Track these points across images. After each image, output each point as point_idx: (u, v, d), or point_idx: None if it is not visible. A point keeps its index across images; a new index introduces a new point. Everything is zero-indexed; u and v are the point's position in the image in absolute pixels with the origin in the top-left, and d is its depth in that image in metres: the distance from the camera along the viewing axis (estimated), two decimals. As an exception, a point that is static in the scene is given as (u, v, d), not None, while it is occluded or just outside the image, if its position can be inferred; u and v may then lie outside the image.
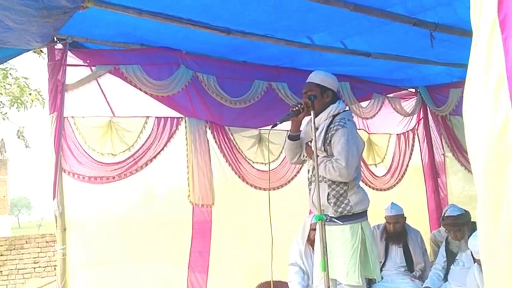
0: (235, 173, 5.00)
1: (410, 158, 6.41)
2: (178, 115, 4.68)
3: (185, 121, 4.69)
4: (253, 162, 5.12)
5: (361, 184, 3.73)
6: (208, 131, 4.84)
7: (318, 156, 3.46)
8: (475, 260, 4.02)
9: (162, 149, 4.54)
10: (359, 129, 5.81)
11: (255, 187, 5.08)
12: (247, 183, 5.06)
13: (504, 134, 1.33)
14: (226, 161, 4.95)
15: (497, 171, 1.36)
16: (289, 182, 5.22)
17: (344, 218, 3.42)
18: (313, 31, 4.13)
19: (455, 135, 6.35)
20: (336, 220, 3.42)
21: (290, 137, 3.71)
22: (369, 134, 6.06)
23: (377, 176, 6.06)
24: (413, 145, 6.46)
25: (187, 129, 4.68)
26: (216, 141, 4.89)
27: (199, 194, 4.68)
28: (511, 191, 1.32)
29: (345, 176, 3.38)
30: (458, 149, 6.30)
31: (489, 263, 1.41)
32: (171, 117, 4.63)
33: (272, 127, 3.47)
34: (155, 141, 4.51)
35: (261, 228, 4.84)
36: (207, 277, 4.71)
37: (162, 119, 4.59)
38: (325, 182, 3.47)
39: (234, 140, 5.03)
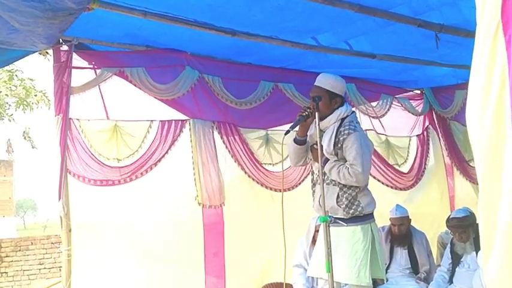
0: (245, 173, 4.99)
1: (428, 157, 6.40)
2: (183, 117, 4.67)
3: (189, 123, 4.68)
4: (262, 163, 5.12)
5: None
6: (216, 131, 4.83)
7: (327, 159, 3.47)
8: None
9: (167, 152, 4.54)
10: (379, 133, 5.87)
11: (266, 187, 5.08)
12: (258, 183, 5.04)
13: (505, 136, 1.33)
14: (235, 161, 4.94)
15: (497, 174, 1.36)
16: (299, 183, 5.21)
17: (355, 219, 3.43)
18: (318, 32, 4.12)
19: (454, 141, 6.33)
20: (341, 222, 3.43)
21: (296, 141, 3.68)
22: (387, 136, 6.06)
23: (403, 174, 6.06)
24: (429, 145, 6.47)
25: (192, 131, 4.67)
26: (224, 142, 4.88)
27: (206, 195, 4.66)
28: (507, 194, 1.32)
29: (362, 181, 3.41)
30: (457, 156, 6.29)
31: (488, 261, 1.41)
32: (175, 120, 4.63)
33: (285, 134, 3.45)
34: (160, 144, 4.51)
35: (269, 229, 4.83)
36: (224, 281, 4.70)
37: (166, 122, 4.58)
38: (334, 184, 3.48)
39: (245, 140, 5.03)
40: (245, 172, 4.99)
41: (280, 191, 4.91)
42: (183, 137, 4.67)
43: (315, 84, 3.58)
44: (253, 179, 5.03)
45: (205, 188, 4.66)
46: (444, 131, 6.38)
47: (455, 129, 6.33)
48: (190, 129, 4.68)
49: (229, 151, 4.91)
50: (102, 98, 4.30)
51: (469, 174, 6.16)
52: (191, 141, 4.68)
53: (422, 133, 6.40)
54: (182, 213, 4.69)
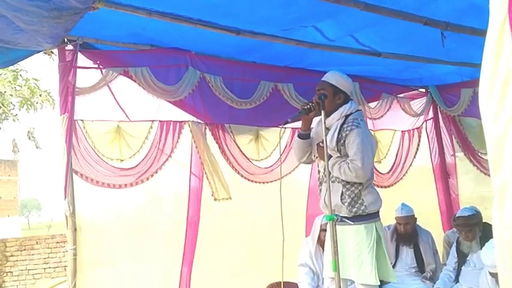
0: (235, 171, 5.01)
1: (414, 156, 6.37)
2: (181, 119, 4.68)
3: (189, 124, 4.69)
4: (250, 159, 5.16)
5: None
6: (209, 133, 4.84)
7: (331, 156, 3.46)
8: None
9: (170, 155, 4.57)
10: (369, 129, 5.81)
11: (258, 182, 5.14)
12: (248, 180, 5.09)
13: (507, 135, 1.32)
14: (227, 160, 4.96)
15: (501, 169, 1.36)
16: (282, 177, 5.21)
17: (358, 218, 3.42)
18: (321, 20, 4.05)
19: (466, 136, 6.28)
20: (347, 220, 3.42)
21: (300, 136, 3.70)
22: (374, 131, 6.05)
23: (379, 173, 6.03)
24: (418, 144, 6.42)
25: (193, 132, 4.69)
26: (216, 142, 4.89)
27: (222, 190, 4.77)
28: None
29: (362, 177, 3.39)
30: (469, 149, 6.23)
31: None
32: (173, 121, 4.63)
33: (284, 125, 3.48)
34: (161, 145, 4.53)
35: (271, 227, 4.83)
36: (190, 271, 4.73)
37: (165, 122, 4.59)
38: (338, 182, 3.47)
39: (234, 138, 5.03)
40: (235, 170, 5.01)
41: (262, 183, 5.09)
42: (182, 139, 4.68)
43: (322, 79, 3.62)
44: (243, 176, 5.07)
45: (220, 184, 4.76)
46: (455, 127, 6.33)
47: (466, 125, 6.25)
48: (191, 130, 4.69)
49: (221, 151, 4.92)
50: (113, 98, 4.31)
51: (485, 167, 6.11)
52: (194, 141, 4.68)
53: (410, 130, 6.34)
54: (180, 214, 4.71)
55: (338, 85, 3.56)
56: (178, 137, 4.64)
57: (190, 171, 4.72)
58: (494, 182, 1.37)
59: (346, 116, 3.52)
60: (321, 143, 3.48)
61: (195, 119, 4.75)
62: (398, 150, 6.25)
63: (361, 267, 3.38)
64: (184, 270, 4.63)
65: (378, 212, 3.53)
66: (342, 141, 3.45)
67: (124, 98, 4.38)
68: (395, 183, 6.15)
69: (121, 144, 4.37)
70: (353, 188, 3.45)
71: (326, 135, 3.31)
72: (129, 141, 4.41)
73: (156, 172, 4.48)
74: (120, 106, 4.34)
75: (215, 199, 4.71)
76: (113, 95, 4.29)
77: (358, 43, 4.43)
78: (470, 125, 6.23)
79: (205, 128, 4.82)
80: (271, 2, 3.48)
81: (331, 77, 3.59)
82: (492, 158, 1.37)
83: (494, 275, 3.65)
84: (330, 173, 3.43)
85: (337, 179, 3.49)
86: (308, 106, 3.49)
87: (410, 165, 6.32)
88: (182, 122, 4.68)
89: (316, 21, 3.98)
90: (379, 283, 3.39)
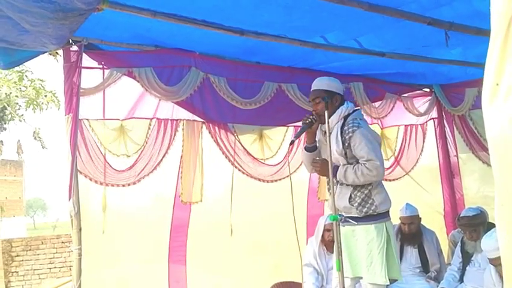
0: (239, 170, 5.02)
1: (420, 154, 6.35)
2: (177, 117, 4.69)
3: (183, 123, 4.70)
4: (255, 158, 5.16)
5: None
6: (206, 131, 4.84)
7: (337, 166, 3.48)
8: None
9: (166, 151, 4.58)
10: (372, 123, 5.78)
11: (263, 180, 5.16)
12: (251, 177, 5.09)
13: (508, 137, 1.31)
14: (229, 161, 4.96)
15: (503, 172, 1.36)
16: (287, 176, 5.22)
17: (369, 218, 3.43)
18: (326, 30, 4.10)
19: (476, 132, 6.14)
20: (351, 220, 3.43)
21: (307, 149, 3.71)
22: (382, 128, 6.04)
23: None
24: (423, 141, 6.40)
25: (185, 131, 4.70)
26: (214, 141, 4.89)
27: (191, 193, 4.76)
28: None
29: (381, 174, 3.43)
30: (480, 145, 6.13)
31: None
32: (171, 119, 4.65)
33: (290, 144, 3.53)
34: (159, 142, 4.55)
35: (277, 226, 4.84)
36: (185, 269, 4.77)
37: (163, 120, 4.60)
38: (347, 185, 3.47)
39: (237, 136, 5.03)
40: (237, 168, 5.02)
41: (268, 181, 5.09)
42: (178, 137, 4.70)
43: (312, 89, 3.63)
44: (245, 174, 5.07)
45: (187, 186, 4.74)
46: (462, 125, 6.25)
47: (477, 118, 6.09)
48: (183, 129, 4.70)
49: (222, 152, 4.92)
50: (104, 98, 4.30)
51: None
52: (183, 140, 4.70)
53: (412, 126, 6.32)
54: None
55: (331, 88, 3.57)
56: (175, 135, 4.65)
57: (179, 170, 4.73)
58: (496, 182, 1.36)
59: (345, 118, 3.54)
60: (317, 158, 3.53)
61: (190, 117, 4.75)
62: (402, 144, 6.24)
63: (371, 267, 3.39)
64: (177, 268, 4.67)
65: (388, 211, 3.54)
66: (346, 143, 3.46)
67: (126, 97, 4.41)
68: (399, 178, 6.13)
69: (126, 141, 4.40)
70: (363, 189, 3.46)
71: (330, 135, 3.32)
72: (132, 137, 4.44)
73: (152, 172, 4.50)
74: (112, 106, 4.35)
75: (181, 201, 4.72)
76: (104, 96, 4.29)
77: (362, 47, 4.45)
78: (479, 117, 6.11)
79: (202, 127, 4.82)
80: (274, 7, 3.49)
81: (321, 83, 3.61)
82: (494, 160, 1.37)
83: (492, 261, 3.71)
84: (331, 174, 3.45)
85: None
86: (310, 120, 3.52)
87: (417, 161, 6.30)
88: (178, 120, 4.69)
89: (323, 32, 4.01)
90: (388, 283, 3.40)
